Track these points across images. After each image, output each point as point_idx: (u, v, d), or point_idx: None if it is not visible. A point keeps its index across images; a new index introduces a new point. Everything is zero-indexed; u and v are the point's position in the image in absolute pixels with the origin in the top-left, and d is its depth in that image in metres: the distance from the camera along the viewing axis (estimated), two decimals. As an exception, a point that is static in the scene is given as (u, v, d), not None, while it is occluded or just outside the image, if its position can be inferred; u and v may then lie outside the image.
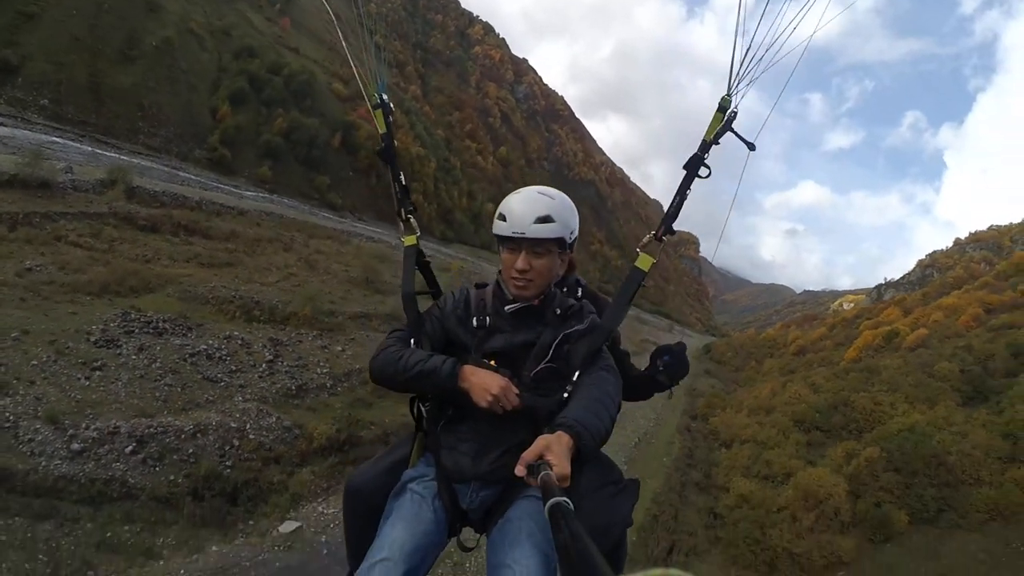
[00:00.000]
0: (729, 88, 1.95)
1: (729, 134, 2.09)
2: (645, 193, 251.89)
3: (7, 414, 10.53)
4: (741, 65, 1.92)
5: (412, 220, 2.37)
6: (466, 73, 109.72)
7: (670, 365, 2.23)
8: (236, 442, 11.71)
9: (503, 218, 1.95)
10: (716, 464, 25.52)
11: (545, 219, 1.90)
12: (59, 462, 9.89)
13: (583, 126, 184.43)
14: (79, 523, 9.27)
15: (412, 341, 2.04)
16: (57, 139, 29.60)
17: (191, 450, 11.07)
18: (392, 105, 2.46)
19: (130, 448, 10.45)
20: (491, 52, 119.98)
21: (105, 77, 36.12)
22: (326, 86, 55.45)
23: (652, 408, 31.43)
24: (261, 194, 40.12)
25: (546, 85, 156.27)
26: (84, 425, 10.60)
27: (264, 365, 15.23)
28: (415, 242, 2.32)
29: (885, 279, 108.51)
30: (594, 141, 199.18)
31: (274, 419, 12.96)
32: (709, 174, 2.08)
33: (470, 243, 69.22)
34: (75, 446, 10.13)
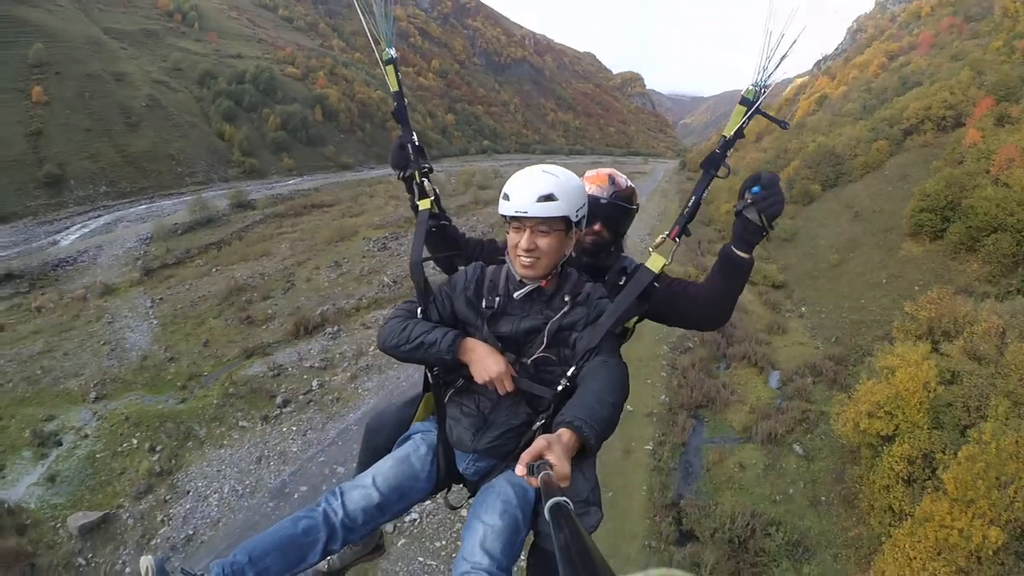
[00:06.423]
0: (756, 84, 1.87)
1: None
2: (575, 49, 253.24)
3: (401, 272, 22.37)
4: (770, 59, 1.83)
5: (426, 183, 2.29)
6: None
7: (761, 198, 1.81)
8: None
9: (507, 198, 1.88)
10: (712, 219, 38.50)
11: (548, 198, 1.84)
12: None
13: (494, 10, 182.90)
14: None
15: (420, 311, 2.03)
16: (138, 208, 37.09)
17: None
18: (393, 65, 2.30)
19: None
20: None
21: (129, 148, 42.82)
22: (281, 74, 61.76)
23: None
24: (296, 179, 49.11)
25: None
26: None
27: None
28: (429, 205, 2.26)
29: (822, 54, 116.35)
30: (508, 19, 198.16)
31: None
32: (728, 174, 1.92)
33: (450, 154, 79.58)
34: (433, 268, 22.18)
